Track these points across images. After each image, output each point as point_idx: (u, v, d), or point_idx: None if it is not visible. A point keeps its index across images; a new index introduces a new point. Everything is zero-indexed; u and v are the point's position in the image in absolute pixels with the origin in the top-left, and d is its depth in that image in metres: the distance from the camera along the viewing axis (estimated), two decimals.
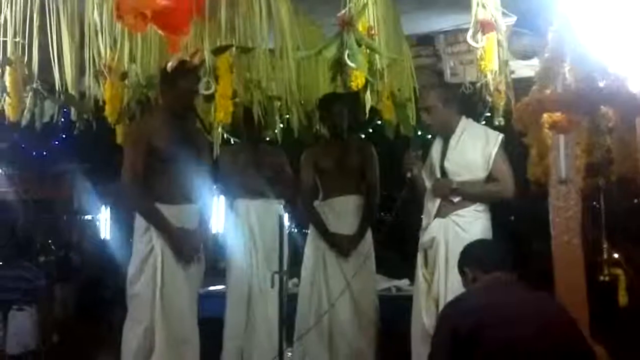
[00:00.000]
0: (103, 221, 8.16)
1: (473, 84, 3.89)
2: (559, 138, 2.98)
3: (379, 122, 4.73)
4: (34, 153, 6.89)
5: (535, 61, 4.11)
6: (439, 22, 4.60)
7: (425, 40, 4.79)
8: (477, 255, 2.88)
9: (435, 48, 4.79)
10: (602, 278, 3.93)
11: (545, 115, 2.33)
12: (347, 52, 2.91)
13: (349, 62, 2.91)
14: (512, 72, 3.71)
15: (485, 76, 3.36)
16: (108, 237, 7.96)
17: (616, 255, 3.78)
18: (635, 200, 2.77)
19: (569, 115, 2.33)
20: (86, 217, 8.01)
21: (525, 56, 3.94)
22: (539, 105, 2.31)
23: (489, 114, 3.95)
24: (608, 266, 3.84)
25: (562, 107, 2.32)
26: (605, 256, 3.91)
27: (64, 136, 6.16)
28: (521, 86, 3.76)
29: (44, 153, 6.82)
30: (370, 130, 5.05)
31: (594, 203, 3.58)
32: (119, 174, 3.60)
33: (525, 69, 4.08)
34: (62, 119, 4.15)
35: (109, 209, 8.02)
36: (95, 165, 7.13)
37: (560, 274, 4.24)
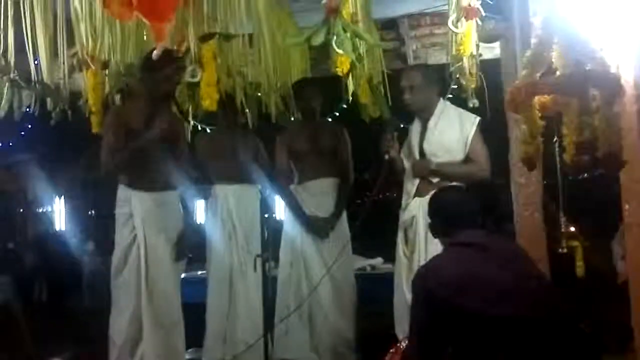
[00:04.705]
0: (57, 212, 8.05)
1: (435, 66, 4.03)
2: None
3: (345, 106, 4.84)
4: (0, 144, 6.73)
5: (497, 44, 4.31)
6: (403, 7, 4.71)
7: (388, 25, 4.90)
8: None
9: (399, 32, 4.91)
10: (560, 250, 4.14)
11: (535, 98, 2.48)
12: (334, 38, 2.98)
13: (337, 48, 2.99)
14: (480, 55, 3.86)
15: (460, 60, 3.50)
16: (63, 228, 7.88)
17: (572, 228, 3.99)
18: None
19: (558, 97, 2.48)
20: (41, 208, 7.87)
21: (490, 39, 4.10)
22: (530, 88, 2.45)
23: (450, 96, 4.12)
24: (566, 239, 4.05)
25: (551, 91, 2.47)
26: (562, 229, 4.13)
27: (29, 126, 6.05)
28: (485, 68, 3.92)
29: (10, 144, 6.67)
30: (337, 114, 5.14)
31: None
32: (76, 164, 3.61)
33: (487, 50, 4.26)
34: (27, 109, 4.09)
35: (63, 199, 7.92)
36: (52, 155, 7.02)
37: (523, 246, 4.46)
